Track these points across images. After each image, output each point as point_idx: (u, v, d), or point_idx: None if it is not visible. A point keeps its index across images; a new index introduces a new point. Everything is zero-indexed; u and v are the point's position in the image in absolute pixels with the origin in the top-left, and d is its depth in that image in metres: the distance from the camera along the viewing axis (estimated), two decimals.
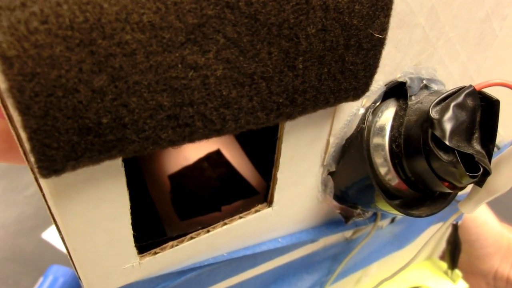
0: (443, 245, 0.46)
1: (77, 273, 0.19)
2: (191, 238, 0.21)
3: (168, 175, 0.46)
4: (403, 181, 0.22)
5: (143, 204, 0.41)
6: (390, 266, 0.39)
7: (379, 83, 0.21)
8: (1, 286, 0.56)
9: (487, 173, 0.19)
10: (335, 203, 0.25)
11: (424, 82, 0.22)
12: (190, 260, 0.22)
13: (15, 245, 0.62)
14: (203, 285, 0.24)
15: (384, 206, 0.23)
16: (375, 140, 0.22)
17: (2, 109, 0.16)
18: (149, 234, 0.22)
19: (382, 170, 0.22)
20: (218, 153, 0.48)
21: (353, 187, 0.24)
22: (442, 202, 0.23)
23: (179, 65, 0.13)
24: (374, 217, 0.28)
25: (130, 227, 0.18)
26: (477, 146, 0.20)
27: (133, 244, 0.19)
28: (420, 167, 0.20)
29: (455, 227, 0.42)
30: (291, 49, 0.15)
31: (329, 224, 0.27)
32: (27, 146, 0.12)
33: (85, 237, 0.17)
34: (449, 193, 0.23)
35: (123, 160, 0.16)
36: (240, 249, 0.23)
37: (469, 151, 0.19)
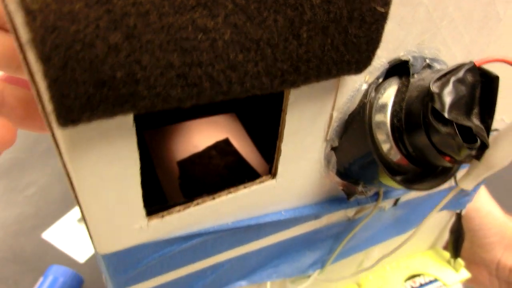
0: (446, 235, 0.46)
1: (88, 231, 0.20)
2: (197, 204, 0.22)
3: (177, 162, 0.47)
4: (404, 156, 0.22)
5: (152, 188, 0.42)
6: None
7: (382, 59, 0.22)
8: (1, 286, 0.56)
9: (485, 146, 0.20)
10: (337, 179, 0.26)
11: (427, 61, 0.23)
12: (196, 226, 0.23)
13: (15, 245, 0.62)
14: (208, 253, 0.25)
15: (387, 181, 0.23)
16: (377, 117, 0.22)
17: (25, 70, 0.17)
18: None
19: (384, 147, 0.22)
20: (226, 141, 0.49)
21: (355, 163, 0.24)
22: (443, 178, 0.23)
23: (189, 27, 0.14)
24: (376, 197, 0.29)
25: (140, 187, 0.19)
26: (476, 121, 0.20)
27: (141, 205, 0.20)
28: (421, 141, 0.21)
29: (459, 217, 0.42)
30: (296, 18, 0.16)
31: (332, 201, 0.27)
32: (46, 95, 0.13)
33: (97, 193, 0.18)
34: (450, 169, 0.23)
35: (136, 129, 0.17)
36: (244, 219, 0.24)
37: (467, 123, 0.19)
